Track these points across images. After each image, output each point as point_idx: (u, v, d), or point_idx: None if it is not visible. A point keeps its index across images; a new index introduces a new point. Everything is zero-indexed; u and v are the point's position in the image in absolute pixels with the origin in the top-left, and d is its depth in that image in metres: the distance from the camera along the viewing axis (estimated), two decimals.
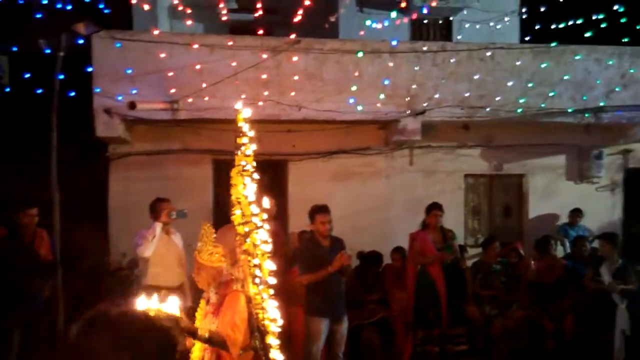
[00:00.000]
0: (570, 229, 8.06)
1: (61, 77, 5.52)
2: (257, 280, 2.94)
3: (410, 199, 7.86)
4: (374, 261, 6.66)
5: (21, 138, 6.82)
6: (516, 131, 8.14)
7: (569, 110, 7.84)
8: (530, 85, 7.71)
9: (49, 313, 5.22)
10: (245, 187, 2.96)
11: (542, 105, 7.78)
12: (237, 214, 3.05)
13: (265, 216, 2.97)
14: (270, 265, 2.97)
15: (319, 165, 7.93)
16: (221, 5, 7.18)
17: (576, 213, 8.07)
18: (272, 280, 2.99)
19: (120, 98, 6.69)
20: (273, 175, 8.16)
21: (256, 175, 2.97)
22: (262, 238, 2.94)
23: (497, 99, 7.67)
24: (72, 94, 6.19)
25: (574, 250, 7.25)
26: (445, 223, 6.10)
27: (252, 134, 3.02)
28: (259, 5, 6.70)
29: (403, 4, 7.33)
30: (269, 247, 2.95)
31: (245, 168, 2.96)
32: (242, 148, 3.01)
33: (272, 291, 2.97)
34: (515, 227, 8.71)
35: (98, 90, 6.73)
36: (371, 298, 6.21)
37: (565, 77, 7.83)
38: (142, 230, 5.14)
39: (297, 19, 6.55)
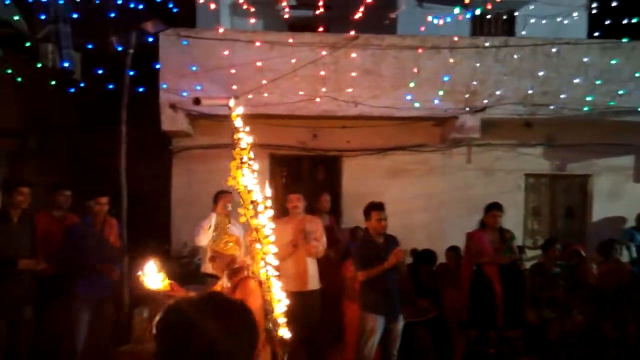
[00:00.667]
0: (637, 233, 7.68)
1: (131, 73, 5.80)
2: (263, 264, 3.09)
3: (467, 198, 7.74)
4: (427, 259, 6.62)
5: (93, 131, 7.21)
6: (581, 130, 7.83)
7: None
8: (597, 82, 7.39)
9: (116, 296, 5.54)
10: (244, 177, 3.09)
11: (611, 103, 7.44)
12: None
13: (269, 203, 3.08)
14: (273, 248, 3.09)
15: (374, 162, 7.94)
16: (282, 2, 7.29)
17: None
18: (275, 262, 3.10)
19: (185, 94, 6.95)
20: (327, 171, 8.26)
21: (255, 166, 3.09)
22: (263, 223, 3.06)
23: (562, 96, 7.39)
24: (141, 89, 6.49)
25: None
26: (503, 223, 5.97)
27: (247, 129, 3.14)
28: (319, 2, 6.78)
29: (466, 0, 7.16)
30: (270, 233, 3.07)
31: (242, 160, 3.09)
32: (240, 143, 3.12)
33: (276, 272, 3.10)
34: (577, 229, 8.40)
35: (164, 86, 7.02)
36: (423, 298, 6.17)
37: (636, 75, 7.44)
38: (202, 221, 5.36)
39: (357, 15, 6.56)
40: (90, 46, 7.01)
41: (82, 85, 7.37)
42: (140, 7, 6.11)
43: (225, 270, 3.41)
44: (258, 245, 3.05)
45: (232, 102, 3.22)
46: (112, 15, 6.12)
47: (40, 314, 5.06)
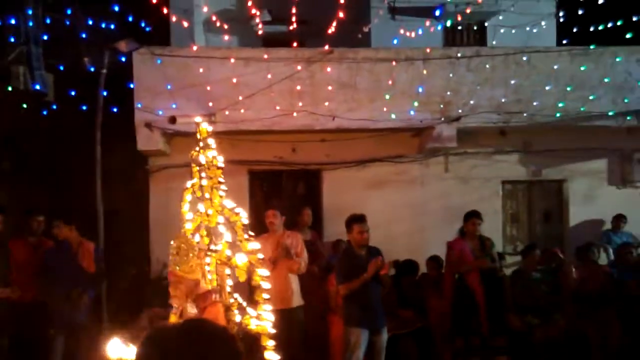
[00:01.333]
0: (614, 236, 7.82)
1: (104, 93, 5.75)
2: (229, 289, 3.09)
3: (446, 207, 7.79)
4: (409, 269, 6.63)
5: (67, 153, 7.10)
6: (555, 136, 7.97)
7: (610, 114, 7.62)
8: (568, 88, 7.55)
9: (93, 322, 5.39)
10: (222, 199, 3.06)
11: (582, 109, 7.60)
12: (188, 229, 3.17)
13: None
14: (264, 271, 3.05)
15: (353, 174, 7.95)
16: (256, 18, 7.33)
17: (620, 219, 7.83)
18: (266, 285, 3.05)
19: (160, 112, 6.89)
20: (308, 185, 8.25)
21: (224, 187, 3.14)
22: (252, 247, 3.05)
23: (535, 103, 7.53)
24: (115, 109, 6.43)
25: (618, 257, 7.03)
26: (482, 230, 6.02)
27: (214, 146, 3.14)
28: (292, 18, 6.83)
29: (437, 12, 7.29)
30: (260, 256, 3.05)
31: (220, 181, 3.08)
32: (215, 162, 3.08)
33: (266, 295, 3.04)
34: (555, 233, 8.50)
35: (139, 105, 6.95)
36: (407, 308, 6.17)
37: (605, 80, 7.62)
38: None
39: (331, 30, 6.63)
40: (62, 67, 6.93)
41: (55, 107, 7.26)
42: (112, 26, 6.07)
43: (190, 297, 3.15)
44: (228, 270, 3.01)
45: (198, 119, 3.20)
46: (84, 35, 6.07)
47: (16, 344, 4.91)
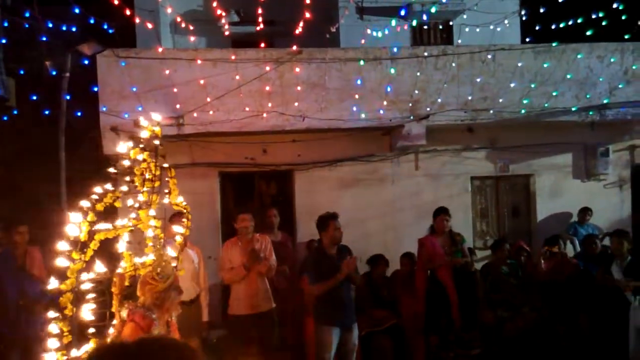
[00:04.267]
0: (580, 227, 8.03)
1: (67, 97, 5.61)
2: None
3: (418, 204, 7.88)
4: (378, 261, 6.63)
5: (29, 159, 6.91)
6: (521, 132, 8.14)
7: (573, 109, 7.83)
8: (532, 85, 7.71)
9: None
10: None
11: (546, 105, 7.78)
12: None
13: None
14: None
15: (325, 174, 7.96)
16: (223, 19, 7.26)
17: (585, 211, 8.05)
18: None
19: (126, 116, 6.77)
20: (279, 186, 8.22)
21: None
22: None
23: (500, 100, 7.68)
24: (79, 113, 6.28)
25: (584, 248, 7.22)
26: (453, 226, 6.11)
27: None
28: (260, 18, 6.79)
29: (402, 12, 7.36)
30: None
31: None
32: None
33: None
34: (524, 227, 8.68)
35: (104, 108, 6.81)
36: (380, 306, 6.20)
37: (568, 76, 7.83)
38: None
39: (299, 30, 6.62)
40: (23, 71, 6.74)
41: (16, 112, 7.05)
42: (74, 29, 5.93)
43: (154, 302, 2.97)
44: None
45: (156, 116, 3.11)
46: (45, 38, 5.90)
47: None
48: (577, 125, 8.09)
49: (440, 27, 9.81)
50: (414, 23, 8.52)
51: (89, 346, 2.68)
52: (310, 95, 7.35)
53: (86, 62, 6.18)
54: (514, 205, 8.74)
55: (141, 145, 2.94)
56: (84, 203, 2.72)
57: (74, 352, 2.58)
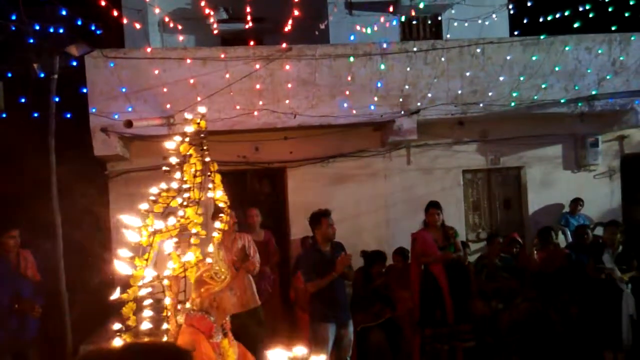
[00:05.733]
0: (572, 218, 8.11)
1: (56, 99, 5.56)
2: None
3: (410, 199, 7.91)
4: (378, 259, 6.68)
5: (19, 163, 6.85)
6: (511, 124, 8.19)
7: (562, 101, 7.89)
8: (521, 78, 7.76)
9: (44, 338, 5.13)
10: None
11: (535, 97, 7.83)
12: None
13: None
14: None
15: (317, 171, 7.97)
16: (211, 17, 7.22)
17: (577, 202, 8.13)
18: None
19: (116, 116, 6.73)
20: (272, 183, 8.23)
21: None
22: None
23: (490, 94, 7.72)
24: (68, 115, 6.24)
25: (576, 239, 7.29)
26: (446, 219, 6.14)
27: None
28: (249, 15, 6.77)
29: (391, 8, 7.36)
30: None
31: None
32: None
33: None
34: (516, 219, 8.75)
35: (93, 110, 6.78)
36: (375, 300, 6.23)
37: (557, 68, 7.87)
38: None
39: (288, 27, 6.60)
40: (10, 74, 6.68)
41: (4, 115, 6.99)
42: (61, 30, 5.87)
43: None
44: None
45: (202, 109, 2.97)
46: (32, 41, 5.85)
47: None
48: (566, 116, 8.15)
49: (429, 21, 9.83)
50: (403, 18, 8.51)
51: None
52: (301, 92, 7.35)
53: (74, 63, 6.13)
54: (505, 197, 8.80)
55: (187, 139, 2.80)
56: (143, 206, 2.59)
57: None
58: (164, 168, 2.77)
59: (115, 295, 2.35)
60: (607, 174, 8.75)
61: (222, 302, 2.79)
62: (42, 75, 5.74)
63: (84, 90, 6.73)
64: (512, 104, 7.74)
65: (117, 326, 2.35)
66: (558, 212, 8.39)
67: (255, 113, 7.18)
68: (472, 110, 7.72)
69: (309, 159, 7.95)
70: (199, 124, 2.98)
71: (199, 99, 6.93)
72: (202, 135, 2.94)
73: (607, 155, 8.71)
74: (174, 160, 2.78)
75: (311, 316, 4.92)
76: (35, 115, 6.32)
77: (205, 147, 2.92)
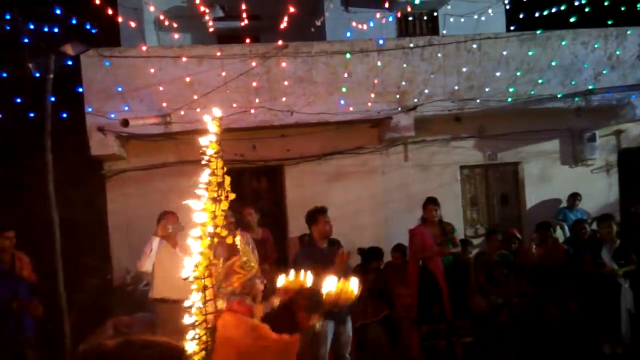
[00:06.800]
0: (570, 212, 8.11)
1: (52, 99, 5.54)
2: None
3: (408, 195, 7.92)
4: (374, 255, 6.68)
5: (16, 164, 6.83)
6: (508, 120, 8.20)
7: (559, 96, 7.89)
8: (518, 73, 7.76)
9: (42, 338, 5.13)
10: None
11: (532, 92, 7.83)
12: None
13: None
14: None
15: (315, 168, 7.97)
16: (207, 15, 7.21)
17: (575, 197, 8.13)
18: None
19: (112, 116, 6.72)
20: (270, 181, 8.22)
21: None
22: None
23: (487, 89, 7.72)
24: (64, 115, 6.22)
25: (574, 233, 7.29)
26: (444, 215, 6.14)
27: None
28: (245, 13, 6.75)
29: (387, 4, 7.35)
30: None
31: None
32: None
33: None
34: (513, 215, 8.76)
35: (90, 109, 6.76)
36: (374, 297, 6.23)
37: (553, 63, 7.88)
38: (144, 246, 5.18)
39: (284, 24, 6.59)
40: (5, 74, 6.64)
41: (0, 116, 6.95)
42: (56, 30, 5.85)
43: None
44: None
45: (218, 112, 2.98)
46: (26, 40, 5.82)
47: None
48: (563, 111, 8.16)
49: (425, 17, 9.81)
50: (399, 15, 8.50)
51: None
52: (298, 89, 7.34)
53: (70, 62, 6.10)
54: (503, 192, 8.81)
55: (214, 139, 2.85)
56: (200, 192, 2.69)
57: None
58: (203, 162, 2.78)
59: (186, 273, 2.56)
60: (605, 169, 8.76)
61: (253, 290, 2.95)
62: (38, 75, 5.71)
63: (80, 90, 6.70)
64: (509, 99, 7.74)
65: (188, 320, 2.56)
66: (555, 207, 8.40)
67: (252, 111, 7.17)
68: (469, 106, 7.73)
69: (306, 157, 7.95)
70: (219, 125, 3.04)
71: (195, 97, 6.92)
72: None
73: (605, 150, 8.72)
74: (210, 152, 2.84)
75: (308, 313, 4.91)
76: (31, 115, 6.29)
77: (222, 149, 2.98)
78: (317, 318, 2.91)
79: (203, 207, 2.69)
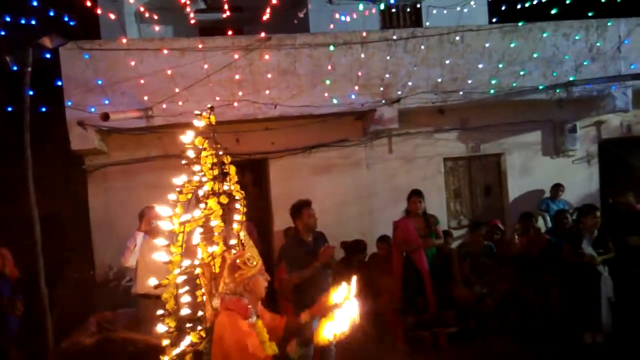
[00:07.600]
0: (552, 203, 8.22)
1: (30, 93, 5.43)
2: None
3: (392, 187, 7.95)
4: (357, 249, 6.71)
5: None
6: (491, 112, 8.26)
7: (540, 87, 7.96)
8: (500, 65, 7.81)
9: (27, 335, 5.07)
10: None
11: (514, 84, 7.89)
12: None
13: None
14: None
15: (300, 161, 7.95)
16: (189, 7, 7.11)
17: (558, 187, 8.24)
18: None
19: (92, 109, 6.61)
20: (254, 175, 8.18)
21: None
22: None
23: (470, 81, 7.76)
24: (44, 109, 6.11)
25: (556, 224, 7.39)
26: (428, 207, 6.18)
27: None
28: (226, 5, 6.67)
29: None
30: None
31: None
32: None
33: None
34: (496, 206, 8.85)
35: (69, 103, 6.65)
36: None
37: (535, 55, 7.94)
38: (127, 241, 5.14)
39: (267, 16, 6.53)
40: None
41: None
42: (33, 22, 5.72)
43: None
44: None
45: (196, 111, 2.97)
46: (3, 33, 5.69)
47: None
48: (545, 103, 8.24)
49: (409, 9, 9.80)
50: (382, 7, 8.48)
51: (188, 340, 2.62)
52: (282, 82, 7.30)
53: (48, 55, 5.98)
54: (486, 184, 8.89)
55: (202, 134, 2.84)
56: (171, 196, 2.66)
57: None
58: (183, 162, 2.79)
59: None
60: (585, 159, 8.89)
61: (256, 286, 2.88)
62: (15, 68, 5.59)
63: (59, 83, 6.58)
64: (491, 91, 7.79)
65: (160, 312, 2.51)
66: (538, 198, 8.50)
67: (235, 104, 7.11)
68: (452, 98, 7.76)
69: (290, 150, 7.93)
70: (209, 118, 3.01)
71: (177, 90, 6.84)
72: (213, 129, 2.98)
73: (585, 141, 8.84)
74: (191, 153, 2.83)
75: (295, 306, 4.92)
76: (9, 109, 6.17)
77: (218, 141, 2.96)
78: (297, 347, 2.82)
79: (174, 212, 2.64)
